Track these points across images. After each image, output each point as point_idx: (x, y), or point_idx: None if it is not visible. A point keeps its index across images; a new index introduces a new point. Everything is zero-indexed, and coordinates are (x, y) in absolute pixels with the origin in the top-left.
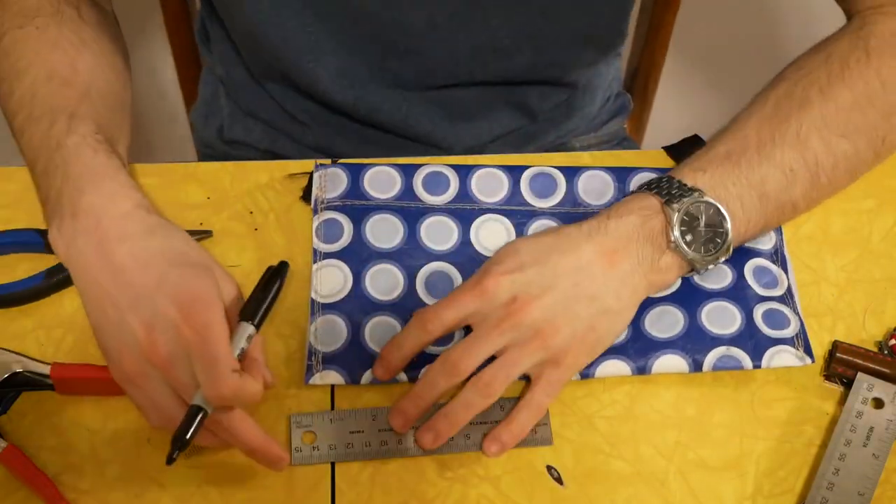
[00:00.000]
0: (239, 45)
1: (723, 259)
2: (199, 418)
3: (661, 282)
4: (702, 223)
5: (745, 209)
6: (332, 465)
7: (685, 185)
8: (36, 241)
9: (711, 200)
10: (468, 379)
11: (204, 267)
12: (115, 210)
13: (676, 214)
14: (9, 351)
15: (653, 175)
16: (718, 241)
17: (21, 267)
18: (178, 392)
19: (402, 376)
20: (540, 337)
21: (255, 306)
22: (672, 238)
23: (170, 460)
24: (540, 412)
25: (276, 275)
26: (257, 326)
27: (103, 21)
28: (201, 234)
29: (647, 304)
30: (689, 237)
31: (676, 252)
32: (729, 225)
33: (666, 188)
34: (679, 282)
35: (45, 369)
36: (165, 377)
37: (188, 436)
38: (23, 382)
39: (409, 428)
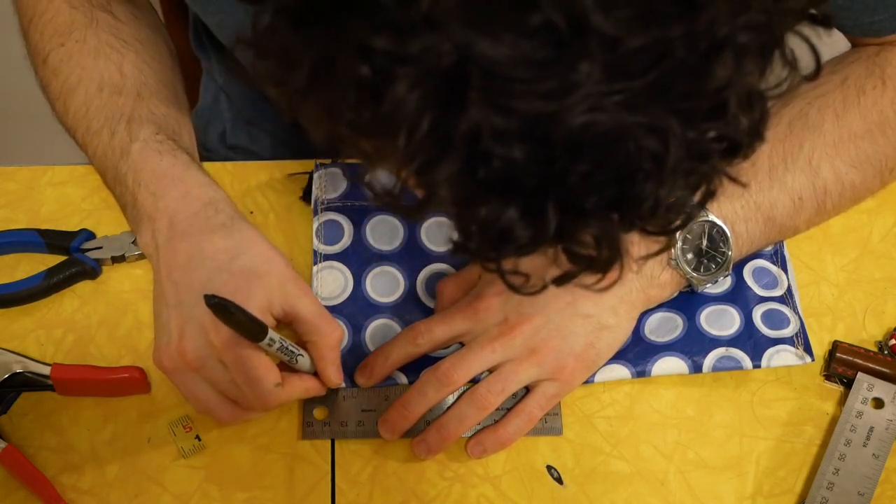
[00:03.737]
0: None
1: (721, 278)
2: None
3: (658, 297)
4: (704, 242)
5: (750, 231)
6: (332, 465)
7: None
8: (36, 241)
9: (717, 221)
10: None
11: (255, 274)
12: (185, 209)
13: (679, 231)
14: (9, 351)
15: None
16: (719, 260)
17: (21, 267)
18: (214, 387)
19: (403, 378)
20: (535, 355)
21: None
22: (672, 255)
23: None
24: (530, 423)
25: None
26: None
27: (138, 14)
28: None
29: (647, 311)
30: (689, 255)
31: (676, 269)
32: (731, 246)
33: None
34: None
35: (46, 370)
36: (199, 376)
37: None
38: (23, 383)
39: (399, 436)
